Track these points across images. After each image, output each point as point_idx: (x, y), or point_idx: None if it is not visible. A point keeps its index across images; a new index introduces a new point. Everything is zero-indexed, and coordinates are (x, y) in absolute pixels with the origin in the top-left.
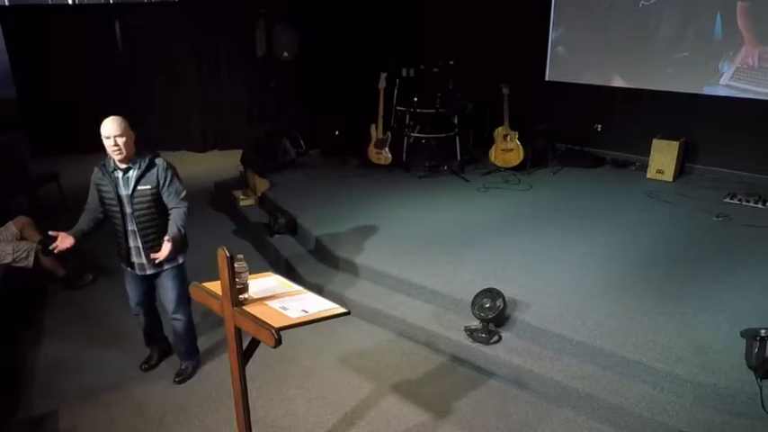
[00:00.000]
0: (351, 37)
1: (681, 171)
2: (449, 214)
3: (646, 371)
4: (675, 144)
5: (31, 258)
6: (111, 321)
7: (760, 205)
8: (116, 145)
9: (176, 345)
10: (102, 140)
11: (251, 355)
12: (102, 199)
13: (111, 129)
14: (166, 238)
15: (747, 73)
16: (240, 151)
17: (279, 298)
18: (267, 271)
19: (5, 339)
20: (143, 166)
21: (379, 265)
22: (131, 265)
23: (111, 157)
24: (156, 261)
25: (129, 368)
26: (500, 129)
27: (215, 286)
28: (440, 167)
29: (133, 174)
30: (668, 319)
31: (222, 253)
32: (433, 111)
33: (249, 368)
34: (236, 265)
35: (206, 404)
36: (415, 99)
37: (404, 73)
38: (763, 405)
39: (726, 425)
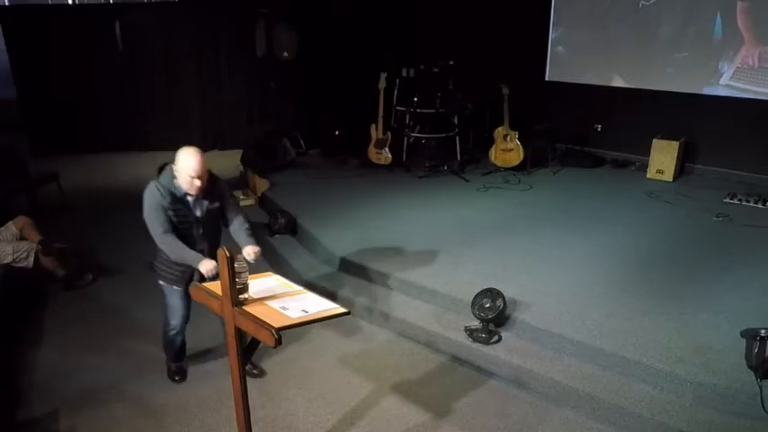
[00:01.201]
0: (351, 37)
1: (681, 171)
2: (449, 214)
3: (646, 371)
4: (675, 144)
5: (31, 258)
6: (112, 321)
7: (760, 205)
8: (200, 184)
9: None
10: (180, 172)
11: (251, 355)
12: (172, 222)
13: (198, 168)
14: (252, 245)
15: (747, 73)
16: (240, 151)
17: (279, 298)
18: (267, 271)
19: (5, 339)
20: (210, 187)
21: (378, 265)
22: (191, 281)
23: (173, 181)
24: (250, 257)
25: (129, 368)
26: (500, 129)
27: (215, 286)
28: (440, 167)
29: (205, 197)
30: (668, 319)
31: (222, 253)
32: (433, 111)
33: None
34: (236, 265)
35: (206, 404)
36: (415, 99)
37: (404, 73)
38: (763, 405)
39: (726, 425)
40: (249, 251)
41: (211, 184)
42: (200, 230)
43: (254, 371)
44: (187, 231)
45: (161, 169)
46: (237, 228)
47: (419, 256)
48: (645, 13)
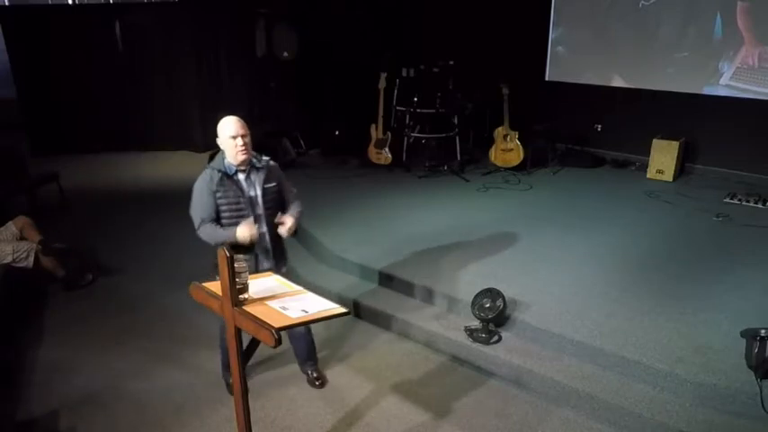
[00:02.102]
0: (351, 37)
1: (681, 171)
2: (449, 214)
3: (646, 371)
4: (675, 144)
5: (31, 258)
6: (112, 321)
7: (760, 205)
8: (243, 145)
9: (297, 348)
10: (218, 141)
11: (251, 355)
12: (221, 206)
13: (237, 128)
14: (290, 214)
15: (747, 73)
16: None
17: (279, 298)
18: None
19: (5, 339)
20: (264, 165)
21: (378, 264)
22: (257, 271)
23: (224, 161)
24: (284, 224)
25: (129, 368)
26: (500, 129)
27: (215, 286)
28: (440, 167)
29: (258, 174)
30: (668, 319)
31: (222, 253)
32: (433, 111)
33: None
34: (235, 265)
35: (206, 404)
36: (415, 99)
37: (404, 73)
38: (763, 405)
39: (726, 425)
40: (284, 218)
41: (267, 164)
42: (257, 211)
43: (317, 381)
44: (241, 214)
45: (211, 158)
46: (291, 207)
47: (419, 255)
48: (645, 13)
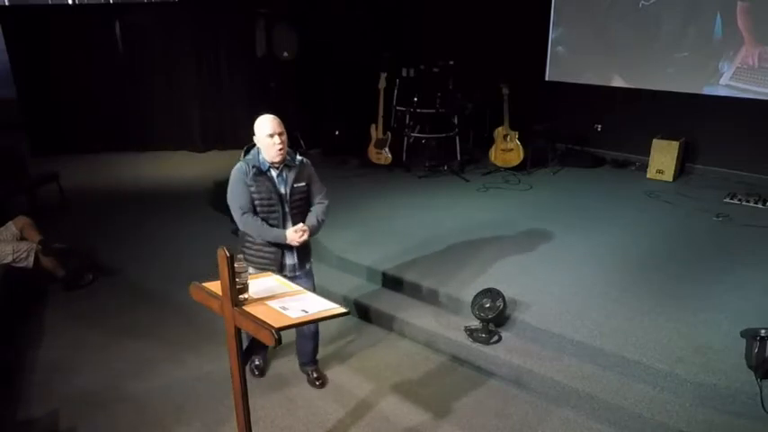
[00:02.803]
0: (351, 37)
1: (681, 171)
2: (449, 214)
3: (646, 371)
4: (675, 144)
5: (31, 258)
6: (112, 321)
7: (760, 205)
8: (281, 143)
9: (303, 347)
10: (255, 139)
11: (251, 355)
12: (254, 200)
13: (275, 126)
14: (305, 225)
15: (747, 73)
16: (240, 151)
17: (279, 298)
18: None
19: (5, 339)
20: (297, 164)
21: (378, 264)
22: (282, 267)
23: (259, 156)
24: (299, 231)
25: (129, 368)
26: (500, 129)
27: (215, 286)
28: (440, 167)
29: (289, 171)
30: (668, 319)
31: (222, 253)
32: (433, 111)
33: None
34: (235, 265)
35: (206, 404)
36: (415, 99)
37: (404, 73)
38: (763, 405)
39: (726, 425)
40: (296, 227)
41: (299, 164)
42: (287, 209)
43: (317, 381)
44: (272, 209)
45: (247, 151)
46: (312, 211)
47: (419, 255)
48: (645, 13)
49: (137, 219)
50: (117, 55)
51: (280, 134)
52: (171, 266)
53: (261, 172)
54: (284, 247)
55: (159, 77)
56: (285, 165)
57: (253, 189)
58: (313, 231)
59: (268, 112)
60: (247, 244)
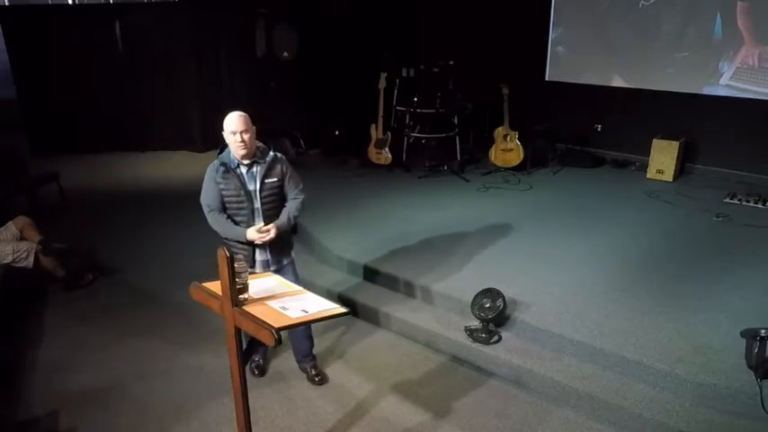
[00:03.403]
0: (351, 37)
1: (681, 171)
2: (449, 214)
3: (646, 371)
4: (675, 144)
5: (31, 258)
6: (112, 321)
7: (760, 205)
8: (242, 141)
9: (299, 345)
10: (223, 135)
11: (251, 355)
12: (224, 197)
13: (237, 124)
14: (273, 224)
15: (747, 73)
16: None
17: (279, 298)
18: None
19: (5, 339)
20: (268, 160)
21: (378, 264)
22: (253, 263)
23: (230, 153)
24: (259, 230)
25: (129, 368)
26: (500, 129)
27: (215, 286)
28: (440, 167)
29: (259, 168)
30: (668, 319)
31: (222, 253)
32: (433, 111)
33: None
34: (235, 265)
35: (206, 404)
36: (415, 99)
37: (404, 73)
38: (763, 405)
39: (726, 425)
40: (258, 227)
41: (271, 159)
42: (257, 204)
43: (316, 378)
44: (241, 206)
45: (222, 150)
46: (285, 208)
47: (419, 255)
48: (645, 13)
49: (137, 219)
50: (117, 55)
51: (242, 132)
52: (171, 266)
53: (228, 169)
54: (254, 244)
55: (159, 77)
56: (255, 161)
57: (222, 186)
58: (282, 228)
59: (268, 113)
60: (224, 239)
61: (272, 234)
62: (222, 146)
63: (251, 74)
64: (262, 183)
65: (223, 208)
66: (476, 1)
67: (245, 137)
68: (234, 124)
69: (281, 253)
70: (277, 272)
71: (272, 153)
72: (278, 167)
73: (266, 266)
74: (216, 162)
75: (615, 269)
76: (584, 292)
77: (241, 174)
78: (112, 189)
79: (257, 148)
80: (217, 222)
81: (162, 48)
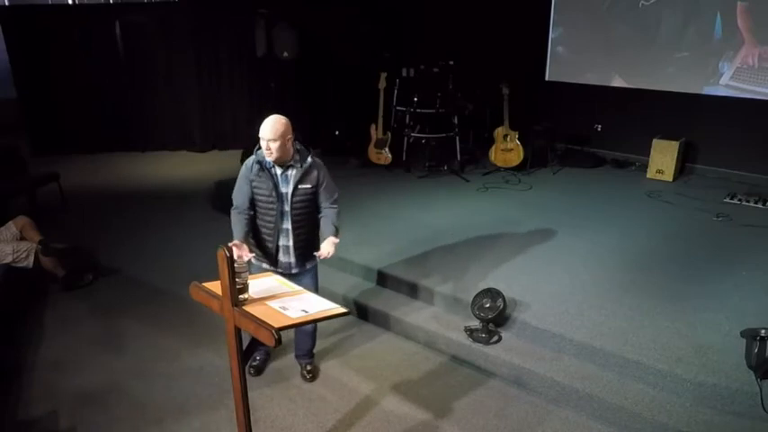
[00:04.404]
0: (351, 37)
1: (681, 171)
2: (449, 214)
3: (646, 371)
4: (675, 144)
5: (31, 258)
6: (111, 321)
7: (760, 205)
8: (268, 149)
9: (302, 343)
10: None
11: (251, 355)
12: (255, 195)
13: (266, 131)
14: (331, 239)
15: (747, 73)
16: (240, 151)
17: (279, 298)
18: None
19: (5, 339)
20: (305, 165)
21: (378, 264)
22: (275, 263)
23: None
24: (321, 257)
25: (129, 368)
26: (500, 129)
27: (215, 286)
28: (440, 167)
29: (294, 172)
30: (668, 319)
31: (222, 253)
32: (433, 111)
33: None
34: (235, 265)
35: (206, 404)
36: (415, 99)
37: (404, 73)
38: (763, 405)
39: (726, 425)
40: (322, 250)
41: (310, 164)
42: (286, 207)
43: (308, 375)
44: (270, 206)
45: (259, 148)
46: (324, 219)
47: (419, 255)
48: (645, 13)
49: (137, 219)
50: (117, 55)
51: (270, 140)
52: (171, 266)
53: (264, 168)
54: (280, 246)
55: (159, 77)
56: (290, 164)
57: (255, 184)
58: (334, 245)
59: (268, 113)
60: (252, 233)
61: (334, 247)
62: (259, 144)
63: (251, 74)
64: (295, 187)
65: (252, 206)
66: (476, 1)
67: (273, 146)
68: (263, 130)
69: (303, 257)
70: (298, 275)
71: (309, 159)
72: (314, 174)
73: (289, 268)
74: (252, 158)
75: (615, 269)
76: (584, 292)
77: (275, 174)
78: (112, 189)
79: (296, 151)
80: (234, 221)
81: (162, 48)
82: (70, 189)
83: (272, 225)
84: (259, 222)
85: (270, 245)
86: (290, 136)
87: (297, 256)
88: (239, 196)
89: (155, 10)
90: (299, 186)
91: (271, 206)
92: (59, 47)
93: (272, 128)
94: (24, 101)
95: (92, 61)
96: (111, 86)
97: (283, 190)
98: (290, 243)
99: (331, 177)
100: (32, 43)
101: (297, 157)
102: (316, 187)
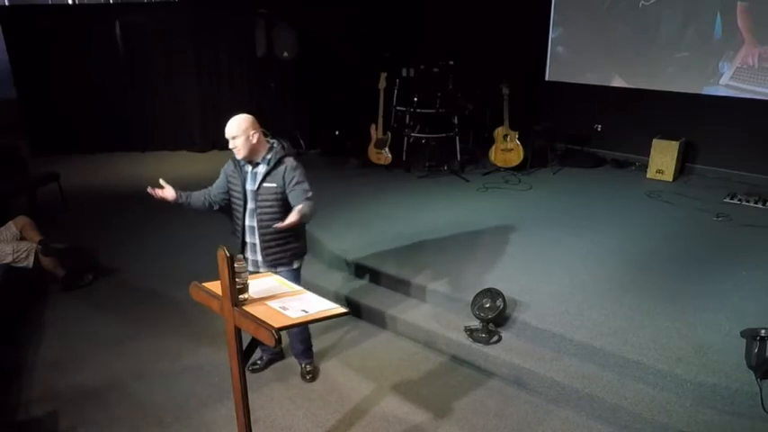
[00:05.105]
0: (351, 37)
1: (681, 171)
2: (449, 214)
3: (646, 371)
4: (675, 144)
5: (31, 258)
6: (111, 321)
7: (760, 205)
8: (234, 146)
9: (293, 345)
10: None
11: (251, 355)
12: (229, 191)
13: (228, 130)
14: (296, 208)
15: (747, 73)
16: None
17: (279, 298)
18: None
19: (5, 339)
20: (271, 164)
21: (378, 264)
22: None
23: None
24: (277, 228)
25: (129, 368)
26: (500, 129)
27: (215, 286)
28: (440, 167)
29: (261, 170)
30: (668, 319)
31: (222, 253)
32: (433, 111)
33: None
34: (235, 265)
35: (206, 404)
36: (415, 99)
37: (404, 73)
38: (763, 405)
39: (726, 425)
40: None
41: (276, 163)
42: (251, 205)
43: (307, 376)
44: (237, 203)
45: None
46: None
47: (419, 255)
48: (645, 13)
49: (137, 218)
50: (117, 55)
51: (232, 137)
52: (171, 266)
53: (236, 165)
54: (248, 242)
55: (159, 77)
56: (258, 162)
57: (230, 179)
58: (303, 214)
59: (268, 113)
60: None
61: (296, 218)
62: None
63: (251, 74)
64: (260, 185)
65: (221, 196)
66: (476, 1)
67: (236, 142)
68: (226, 129)
69: (275, 258)
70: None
71: (278, 157)
72: (280, 173)
73: (256, 267)
74: (232, 156)
75: (615, 269)
76: (584, 292)
77: (246, 172)
78: (112, 189)
79: (269, 149)
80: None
81: (162, 48)
82: (70, 189)
83: (239, 221)
84: (233, 218)
85: (238, 240)
86: (252, 131)
87: (264, 256)
88: (215, 184)
89: (155, 10)
90: (264, 184)
91: (239, 203)
92: (59, 47)
93: (232, 125)
94: (24, 101)
95: (92, 61)
96: (111, 86)
97: (249, 187)
98: (257, 241)
99: (308, 182)
100: (32, 43)
101: (268, 156)
102: (283, 188)
